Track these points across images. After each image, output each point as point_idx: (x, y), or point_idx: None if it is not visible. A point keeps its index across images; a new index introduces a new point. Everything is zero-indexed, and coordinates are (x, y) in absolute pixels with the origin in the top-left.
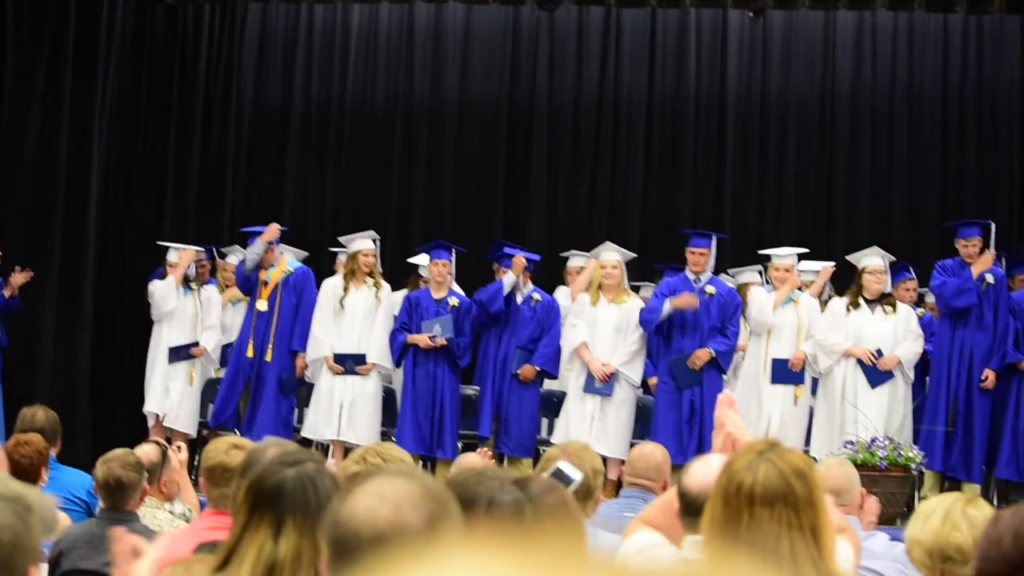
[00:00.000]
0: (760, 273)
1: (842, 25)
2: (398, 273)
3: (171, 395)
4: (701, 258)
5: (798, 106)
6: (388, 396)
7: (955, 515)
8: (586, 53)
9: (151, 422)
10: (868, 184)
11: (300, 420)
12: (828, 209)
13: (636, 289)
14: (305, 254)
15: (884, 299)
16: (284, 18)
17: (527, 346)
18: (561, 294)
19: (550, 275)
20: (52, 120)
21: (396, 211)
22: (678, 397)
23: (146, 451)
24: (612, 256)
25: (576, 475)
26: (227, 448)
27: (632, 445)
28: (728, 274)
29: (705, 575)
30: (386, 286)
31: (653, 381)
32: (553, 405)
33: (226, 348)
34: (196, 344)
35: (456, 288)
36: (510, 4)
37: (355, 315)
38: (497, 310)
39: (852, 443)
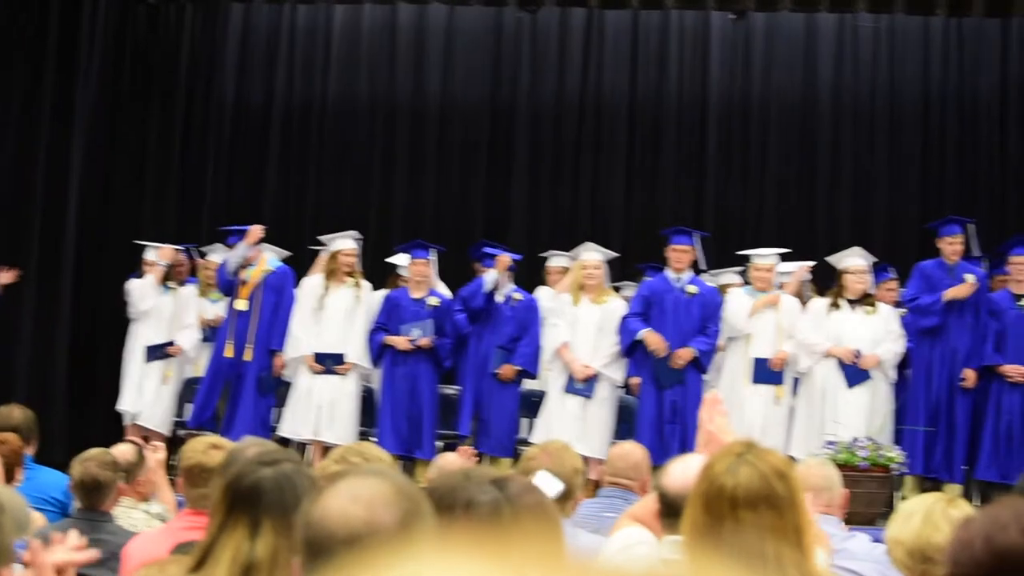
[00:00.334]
0: (741, 274)
1: (823, 27)
2: (379, 273)
3: (145, 394)
4: (683, 255)
5: (779, 108)
6: (367, 396)
7: (936, 515)
8: (568, 54)
9: (127, 421)
10: (849, 186)
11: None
12: (809, 211)
13: (617, 289)
14: (287, 253)
15: (865, 299)
16: (266, 18)
17: (507, 346)
18: (542, 294)
19: (531, 275)
20: (33, 119)
21: (377, 211)
22: (660, 397)
23: (123, 451)
24: (593, 256)
25: (554, 488)
26: (205, 448)
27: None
28: (709, 274)
29: None
30: (366, 286)
31: (635, 381)
32: (533, 405)
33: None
34: (172, 343)
35: (441, 288)
36: (492, 5)
37: (335, 314)
38: (477, 307)
39: (833, 443)
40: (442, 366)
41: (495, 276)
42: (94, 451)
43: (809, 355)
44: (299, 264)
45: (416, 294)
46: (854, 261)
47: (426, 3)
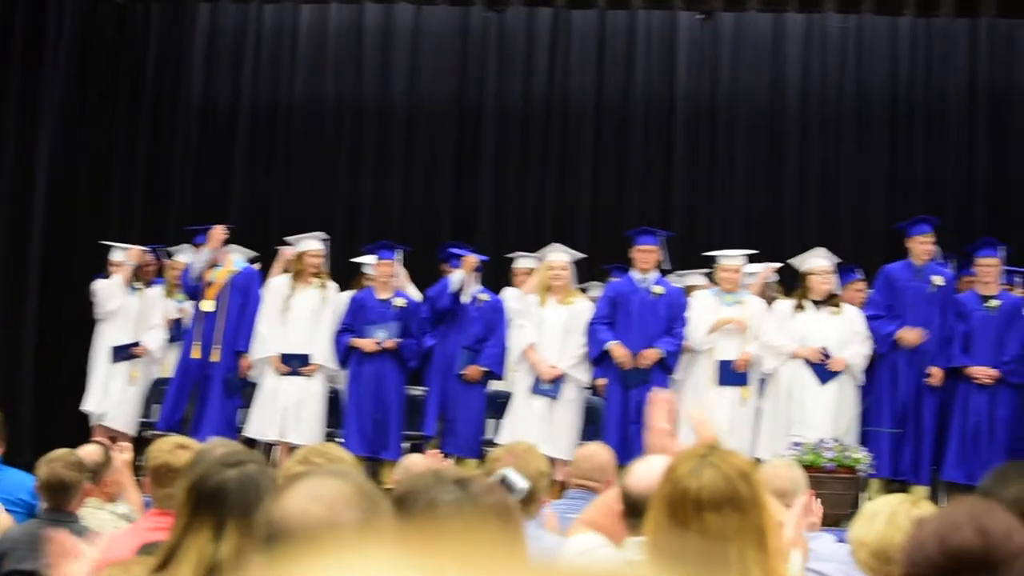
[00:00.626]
0: (707, 276)
1: (792, 27)
2: (345, 274)
3: (110, 394)
4: (649, 256)
5: (747, 108)
6: (334, 397)
7: (900, 517)
8: (535, 54)
9: (93, 422)
10: (816, 186)
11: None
12: (776, 211)
13: (584, 290)
14: (254, 254)
15: (830, 300)
16: (233, 18)
17: (473, 346)
18: (509, 295)
19: (498, 276)
20: None
21: (344, 211)
22: (626, 397)
23: (89, 451)
24: (560, 257)
25: (522, 483)
26: (172, 448)
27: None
28: (676, 275)
29: None
30: (333, 286)
31: (601, 382)
32: (499, 406)
33: None
34: (138, 344)
35: (409, 289)
36: (459, 5)
37: (301, 315)
38: (443, 307)
39: (799, 444)
40: (407, 366)
41: (461, 276)
42: (60, 452)
43: (774, 356)
44: (266, 265)
45: (382, 295)
46: (818, 262)
47: (393, 3)
